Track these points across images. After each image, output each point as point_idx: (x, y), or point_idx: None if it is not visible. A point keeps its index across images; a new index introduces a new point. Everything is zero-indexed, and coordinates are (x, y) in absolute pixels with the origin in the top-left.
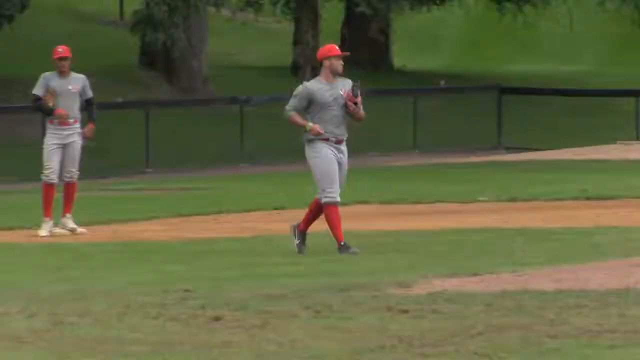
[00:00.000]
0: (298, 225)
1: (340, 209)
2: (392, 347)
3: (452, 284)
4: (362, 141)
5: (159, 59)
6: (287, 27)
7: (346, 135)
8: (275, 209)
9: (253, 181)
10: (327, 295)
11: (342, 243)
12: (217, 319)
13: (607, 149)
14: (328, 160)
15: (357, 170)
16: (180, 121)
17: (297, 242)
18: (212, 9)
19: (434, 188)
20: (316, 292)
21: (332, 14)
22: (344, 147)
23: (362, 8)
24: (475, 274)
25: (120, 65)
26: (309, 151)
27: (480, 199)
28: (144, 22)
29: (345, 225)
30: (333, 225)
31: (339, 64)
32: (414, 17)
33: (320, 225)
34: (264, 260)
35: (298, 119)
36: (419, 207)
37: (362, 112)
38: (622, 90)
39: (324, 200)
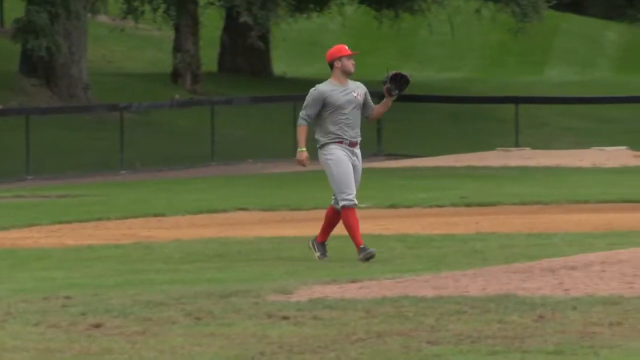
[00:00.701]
0: (316, 238)
1: (219, 216)
2: (272, 353)
3: (332, 291)
4: (241, 148)
5: (39, 66)
6: (167, 34)
7: (360, 139)
8: (156, 215)
9: (133, 188)
10: (208, 301)
11: (362, 247)
12: (97, 325)
13: (486, 155)
14: (342, 162)
15: (236, 176)
16: (61, 128)
17: (318, 254)
18: (91, 16)
19: (314, 194)
20: (197, 298)
21: (212, 21)
22: (357, 150)
23: (244, 17)
24: (355, 281)
25: (0, 72)
26: (321, 155)
27: (361, 205)
28: (25, 29)
29: (225, 232)
30: (352, 229)
31: (350, 64)
32: (294, 25)
33: (198, 232)
34: (144, 266)
35: (302, 136)
36: (299, 213)
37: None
38: (501, 97)
39: (341, 203)
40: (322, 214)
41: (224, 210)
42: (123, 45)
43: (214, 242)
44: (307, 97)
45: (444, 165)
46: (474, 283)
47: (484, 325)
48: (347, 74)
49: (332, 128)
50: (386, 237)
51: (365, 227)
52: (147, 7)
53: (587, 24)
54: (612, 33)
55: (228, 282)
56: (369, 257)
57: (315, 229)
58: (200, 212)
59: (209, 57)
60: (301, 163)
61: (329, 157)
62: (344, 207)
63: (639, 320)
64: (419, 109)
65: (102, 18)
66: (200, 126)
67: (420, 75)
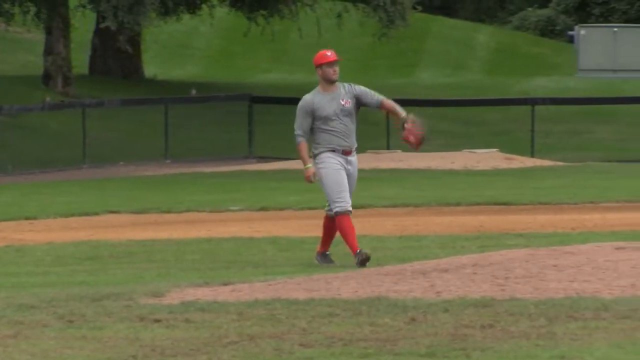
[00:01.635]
0: (318, 251)
1: (91, 219)
2: (144, 356)
3: (204, 293)
4: (113, 150)
5: None
6: (38, 37)
7: (355, 145)
8: (27, 218)
9: (5, 191)
10: (80, 304)
11: (358, 251)
12: None
13: (358, 158)
14: (334, 169)
15: (108, 179)
16: None
17: (326, 264)
18: None
19: (186, 197)
20: (68, 301)
21: (83, 24)
22: (352, 158)
23: (108, 22)
24: (227, 283)
25: None
26: (315, 164)
27: (232, 208)
28: None
29: (97, 235)
30: (346, 234)
31: (330, 71)
32: (165, 27)
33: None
34: (16, 269)
35: (303, 153)
36: (171, 216)
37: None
38: None
39: (335, 210)
40: (193, 216)
41: (96, 213)
42: None
43: (86, 245)
44: (298, 107)
45: None
46: (346, 285)
47: (356, 328)
48: (329, 82)
49: (323, 137)
50: (258, 240)
51: (237, 230)
52: (17, 10)
53: (458, 26)
54: (483, 36)
55: (100, 285)
56: (364, 260)
57: (186, 232)
58: (72, 214)
59: (80, 59)
60: (308, 180)
61: (320, 165)
62: (337, 213)
63: (510, 322)
64: (290, 112)
65: None
66: (72, 129)
67: (291, 78)
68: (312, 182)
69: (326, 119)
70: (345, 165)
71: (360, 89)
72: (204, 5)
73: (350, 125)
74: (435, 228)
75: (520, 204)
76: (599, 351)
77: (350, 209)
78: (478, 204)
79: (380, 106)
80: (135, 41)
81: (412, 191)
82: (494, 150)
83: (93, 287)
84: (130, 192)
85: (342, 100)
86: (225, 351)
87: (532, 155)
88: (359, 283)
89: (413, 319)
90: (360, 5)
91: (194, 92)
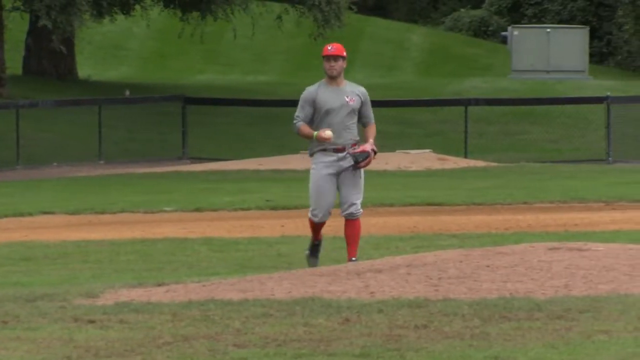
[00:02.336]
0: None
1: (25, 220)
2: (78, 357)
3: (138, 294)
4: (47, 151)
5: None
6: None
7: (352, 142)
8: None
9: None
10: (14, 305)
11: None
12: None
13: (291, 159)
14: (317, 179)
15: (42, 180)
16: None
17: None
18: None
19: (120, 198)
20: (3, 302)
21: (17, 24)
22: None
23: (43, 21)
24: (161, 284)
25: None
26: (311, 162)
27: (166, 209)
28: None
29: (31, 236)
30: (312, 231)
31: (328, 66)
32: (99, 28)
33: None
34: None
35: (306, 130)
36: (105, 217)
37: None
38: None
39: (310, 216)
40: (127, 217)
41: (30, 214)
42: None
43: (20, 246)
44: (301, 97)
45: (249, 168)
46: (280, 286)
47: (290, 328)
48: (329, 77)
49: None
50: (192, 241)
51: (171, 231)
52: None
53: (391, 27)
54: (416, 36)
55: (34, 286)
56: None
57: (121, 233)
58: (6, 215)
59: (13, 60)
60: (322, 137)
61: (311, 169)
62: (309, 217)
63: (444, 322)
64: (224, 112)
65: None
66: (6, 129)
67: (225, 78)
68: (326, 138)
69: (327, 113)
70: (338, 163)
71: (367, 97)
72: (137, 6)
73: (349, 123)
74: (370, 229)
75: (454, 205)
76: (532, 351)
77: (322, 221)
78: (412, 204)
79: (367, 127)
80: (69, 42)
81: None
82: (428, 151)
83: (27, 288)
84: (64, 193)
85: (347, 97)
86: (160, 352)
87: (466, 156)
88: (293, 284)
89: (347, 320)
90: (298, 6)
91: (127, 93)
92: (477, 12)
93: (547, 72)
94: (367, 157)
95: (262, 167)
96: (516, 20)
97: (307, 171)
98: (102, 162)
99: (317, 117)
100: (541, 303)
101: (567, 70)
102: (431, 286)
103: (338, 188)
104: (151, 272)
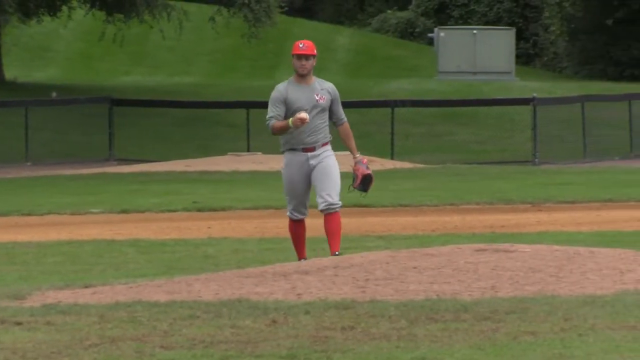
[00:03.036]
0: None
1: None
2: (5, 359)
3: (65, 296)
4: None
5: None
6: None
7: (324, 141)
8: None
9: None
10: None
11: (303, 259)
12: None
13: (218, 160)
14: (289, 175)
15: None
16: None
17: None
18: None
19: (47, 200)
20: None
21: None
22: (317, 152)
23: None
24: (88, 286)
25: None
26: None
27: (93, 210)
28: None
29: None
30: (294, 240)
31: (299, 64)
32: (26, 30)
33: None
34: None
35: (280, 123)
36: (32, 218)
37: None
38: (232, 102)
39: (287, 213)
40: (54, 219)
41: None
42: None
43: None
44: (269, 102)
45: (176, 170)
46: (207, 288)
47: (217, 330)
48: (299, 75)
49: (284, 135)
50: (119, 242)
51: (98, 232)
52: None
53: (318, 28)
54: (343, 38)
55: None
56: None
57: (48, 234)
58: None
59: None
60: (297, 122)
61: (282, 169)
62: (289, 217)
63: (371, 324)
64: (151, 113)
65: None
66: None
67: (151, 80)
68: (303, 119)
69: (296, 112)
70: (308, 162)
71: (336, 94)
72: (64, 8)
73: (319, 122)
74: None
75: (380, 206)
76: (459, 352)
77: (299, 217)
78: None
79: (341, 126)
80: None
81: (273, 193)
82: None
83: None
84: None
85: (317, 95)
86: (87, 354)
87: (392, 157)
88: (220, 285)
89: (274, 321)
90: (230, 9)
91: (54, 94)
92: (404, 14)
93: (474, 73)
94: (370, 182)
95: (189, 169)
96: (443, 22)
97: (233, 173)
98: (29, 163)
99: (287, 117)
100: (468, 304)
101: (494, 72)
102: (358, 288)
103: (313, 185)
104: (78, 273)
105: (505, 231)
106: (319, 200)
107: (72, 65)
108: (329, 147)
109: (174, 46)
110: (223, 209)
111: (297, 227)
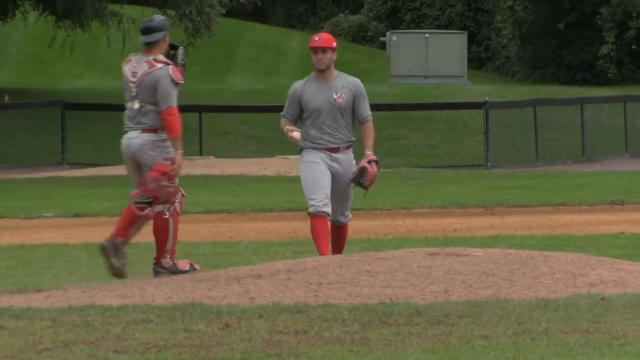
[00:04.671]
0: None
1: None
2: None
3: (18, 300)
4: None
5: None
6: None
7: (348, 143)
8: None
9: None
10: None
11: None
12: None
13: None
14: (311, 165)
15: None
16: None
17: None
18: None
19: None
20: None
21: None
22: (341, 156)
23: None
24: (41, 290)
25: None
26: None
27: (46, 214)
28: None
29: None
30: (317, 239)
31: (316, 59)
32: None
33: None
34: None
35: (283, 126)
36: None
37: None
38: (185, 105)
39: (308, 210)
40: (6, 222)
41: None
42: None
43: None
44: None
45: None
46: (160, 292)
47: (170, 334)
48: (317, 70)
49: (307, 132)
50: (72, 246)
51: (51, 236)
52: None
53: (269, 32)
54: (295, 42)
55: None
56: None
57: (1, 238)
58: None
59: None
60: (290, 136)
61: (301, 160)
62: (309, 214)
63: (324, 328)
64: (103, 117)
65: None
66: None
67: (104, 84)
68: (294, 138)
69: (314, 113)
70: (330, 163)
71: (360, 90)
72: (17, 12)
73: (341, 121)
74: (249, 234)
75: None
76: (412, 356)
77: (325, 210)
78: (291, 210)
79: (363, 124)
80: None
81: (225, 197)
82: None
83: None
84: None
85: (336, 93)
86: (40, 358)
87: None
88: (173, 289)
89: (227, 325)
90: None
91: (6, 98)
92: (356, 18)
93: (426, 77)
94: (365, 174)
95: None
96: (395, 26)
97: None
98: None
99: (305, 117)
100: (421, 308)
101: (446, 76)
102: (311, 291)
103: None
104: (31, 277)
105: (458, 235)
106: (333, 213)
107: (25, 69)
108: (351, 152)
109: (125, 50)
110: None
111: (321, 224)
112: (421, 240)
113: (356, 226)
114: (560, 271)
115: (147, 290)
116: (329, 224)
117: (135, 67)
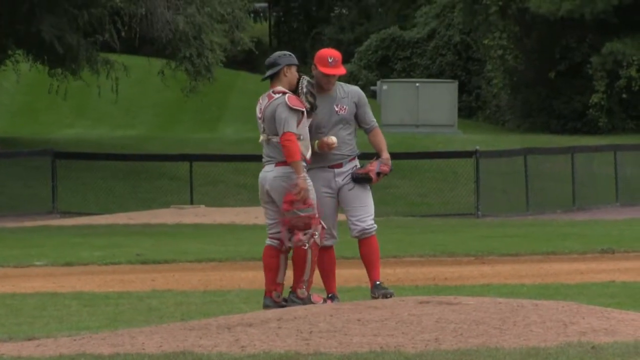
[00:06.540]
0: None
1: None
2: None
3: (8, 349)
4: None
5: None
6: None
7: (349, 157)
8: None
9: None
10: None
11: (331, 295)
12: None
13: (161, 213)
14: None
15: None
16: None
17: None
18: None
19: None
20: None
21: None
22: (344, 169)
23: None
24: (32, 338)
25: None
26: None
27: (36, 263)
28: None
29: None
30: (320, 271)
31: (324, 80)
32: None
33: None
34: None
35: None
36: None
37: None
38: (175, 154)
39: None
40: None
41: None
42: None
43: None
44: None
45: (119, 222)
46: (151, 340)
47: None
48: (322, 88)
49: (312, 148)
50: (62, 295)
51: (41, 285)
52: None
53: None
54: None
55: None
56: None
57: None
58: None
59: None
60: (323, 146)
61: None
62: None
63: None
64: (93, 166)
65: None
66: None
67: (94, 133)
68: (329, 144)
69: (316, 126)
70: (334, 179)
71: (362, 99)
72: (8, 61)
73: (344, 134)
74: (240, 283)
75: None
76: None
77: (328, 243)
78: None
79: (371, 132)
80: None
81: (216, 246)
82: None
83: None
84: None
85: (337, 105)
86: None
87: None
88: (164, 338)
89: None
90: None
91: None
92: (346, 67)
93: (417, 126)
94: (368, 183)
95: (132, 221)
96: (385, 75)
97: (176, 225)
98: None
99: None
100: (411, 357)
101: (437, 125)
102: (302, 340)
103: (342, 207)
104: (21, 326)
105: (448, 284)
106: (352, 227)
107: (16, 117)
108: (356, 162)
109: (117, 99)
110: (166, 262)
111: (326, 256)
112: (411, 288)
113: (346, 274)
114: (551, 320)
115: (137, 339)
116: (334, 255)
117: (260, 103)
